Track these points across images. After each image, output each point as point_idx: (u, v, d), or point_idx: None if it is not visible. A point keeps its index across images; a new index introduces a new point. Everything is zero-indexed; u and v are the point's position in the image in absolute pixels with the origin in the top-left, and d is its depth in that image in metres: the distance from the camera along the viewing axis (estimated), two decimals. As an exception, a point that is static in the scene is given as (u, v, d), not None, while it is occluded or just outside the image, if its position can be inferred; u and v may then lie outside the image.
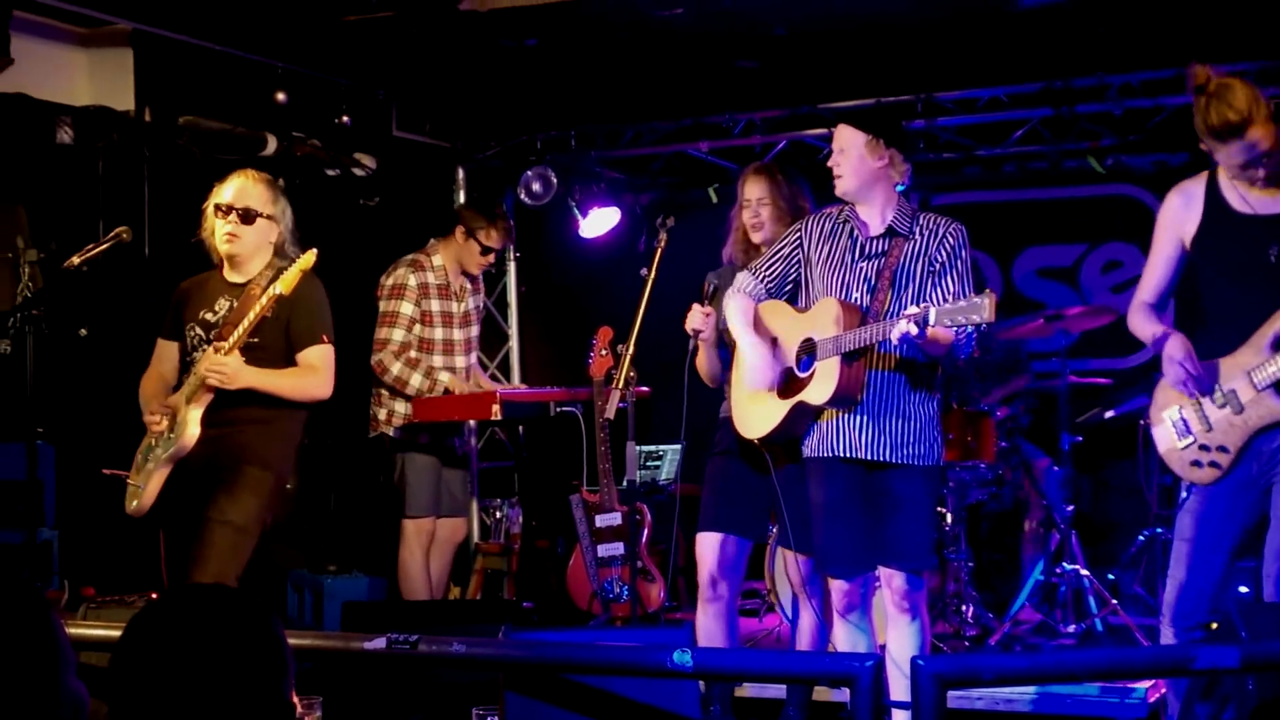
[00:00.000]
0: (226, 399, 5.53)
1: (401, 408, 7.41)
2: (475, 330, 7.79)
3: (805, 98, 8.59)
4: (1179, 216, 4.97)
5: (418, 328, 7.47)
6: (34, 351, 5.65)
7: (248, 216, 5.63)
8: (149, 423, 5.67)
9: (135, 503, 5.64)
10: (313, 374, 5.65)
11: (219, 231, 5.69)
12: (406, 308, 7.44)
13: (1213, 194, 4.91)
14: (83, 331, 7.15)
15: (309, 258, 5.48)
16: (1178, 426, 4.98)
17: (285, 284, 5.42)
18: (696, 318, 5.65)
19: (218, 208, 5.69)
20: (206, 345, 5.62)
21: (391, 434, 7.45)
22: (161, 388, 5.78)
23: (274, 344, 5.64)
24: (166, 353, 5.84)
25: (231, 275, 5.74)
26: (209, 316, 5.69)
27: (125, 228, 5.78)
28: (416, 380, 7.36)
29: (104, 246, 5.73)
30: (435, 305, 7.50)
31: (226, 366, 5.48)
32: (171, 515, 5.65)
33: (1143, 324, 5.06)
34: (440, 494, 7.54)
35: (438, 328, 7.54)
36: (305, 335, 5.64)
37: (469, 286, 7.71)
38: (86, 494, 7.21)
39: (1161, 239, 5.04)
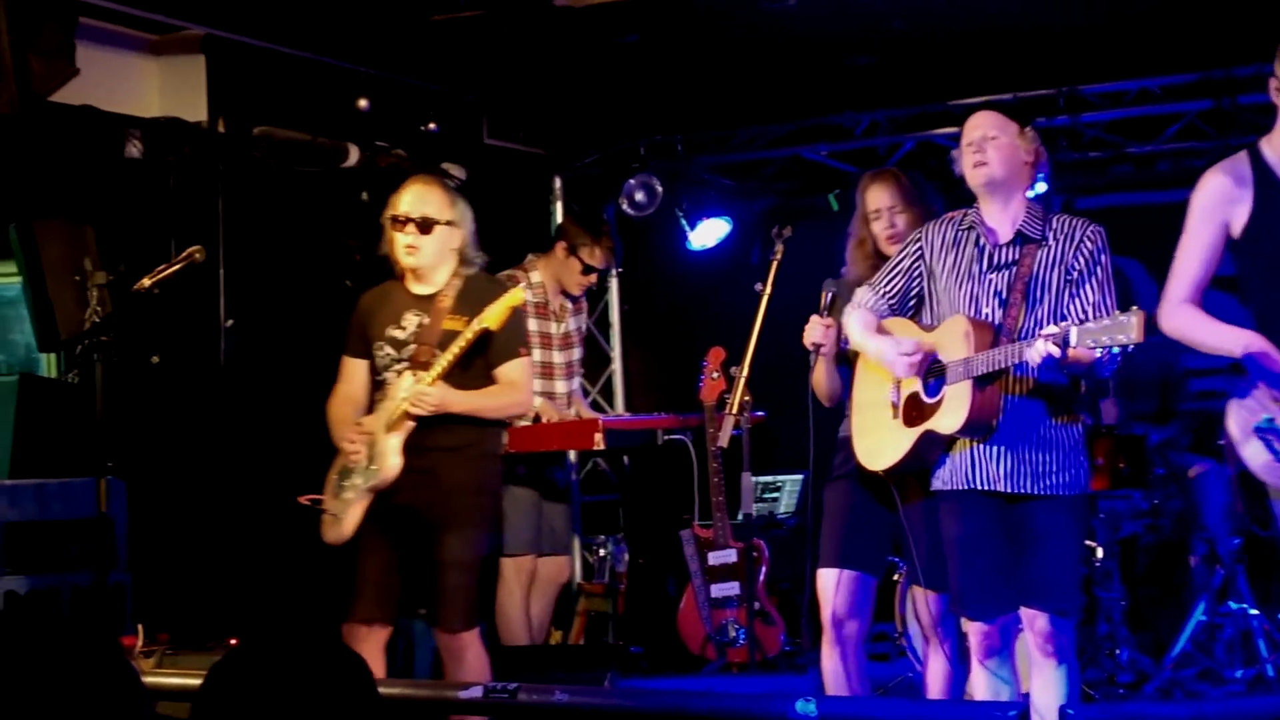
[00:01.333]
0: (427, 423, 5.65)
1: None
2: (577, 354, 7.81)
3: (931, 94, 8.57)
4: (1228, 196, 4.77)
5: None
6: (103, 380, 5.76)
7: (425, 226, 5.72)
8: (346, 451, 5.78)
9: (334, 532, 5.77)
10: (513, 391, 5.78)
11: (398, 244, 5.77)
12: None
13: (1262, 172, 4.74)
14: (154, 359, 7.26)
15: (517, 295, 5.63)
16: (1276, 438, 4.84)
17: (493, 320, 5.56)
18: (816, 330, 5.61)
19: (394, 220, 5.79)
20: (398, 364, 5.73)
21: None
22: (352, 409, 5.86)
23: (471, 361, 5.73)
24: (354, 371, 5.90)
25: (416, 287, 5.83)
26: (398, 334, 5.77)
27: (198, 247, 5.90)
28: None
29: (176, 267, 5.84)
30: (533, 325, 7.47)
31: (431, 397, 5.59)
32: (373, 543, 5.76)
33: (1200, 325, 4.83)
34: (541, 530, 7.55)
35: (535, 349, 7.49)
36: (503, 351, 5.76)
37: (569, 306, 7.74)
38: (160, 533, 7.32)
39: (1202, 225, 4.80)
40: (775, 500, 8.89)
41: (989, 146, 5.05)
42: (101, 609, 6.21)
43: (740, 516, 6.21)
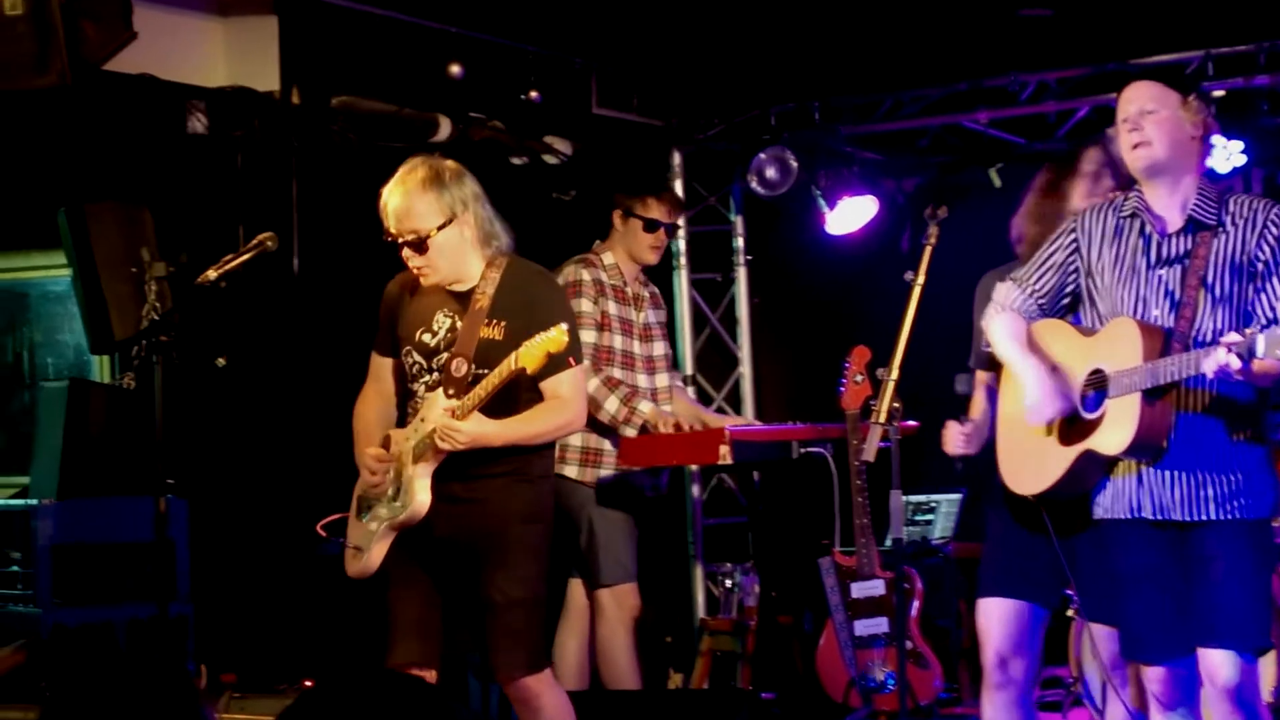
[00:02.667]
0: (464, 452, 5.61)
1: (577, 441, 7.41)
2: (659, 349, 7.77)
3: (1109, 52, 8.45)
4: None
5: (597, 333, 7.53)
6: (162, 386, 5.80)
7: (420, 245, 5.62)
8: (368, 482, 5.77)
9: (356, 566, 5.74)
10: (562, 408, 5.66)
11: (407, 263, 5.77)
12: (586, 305, 7.42)
13: None
14: (220, 361, 7.32)
15: (559, 337, 5.42)
16: None
17: (529, 360, 5.40)
18: (955, 439, 5.62)
19: (386, 235, 5.76)
20: (429, 376, 5.66)
21: (571, 478, 7.51)
22: (384, 412, 5.85)
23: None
24: (384, 370, 5.87)
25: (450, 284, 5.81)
26: (427, 339, 5.69)
27: (270, 234, 5.90)
28: (612, 405, 7.36)
29: (245, 257, 5.85)
30: (613, 308, 7.53)
31: (461, 435, 5.49)
32: (407, 577, 5.73)
33: None
34: (635, 556, 7.57)
35: (616, 334, 7.52)
36: (554, 359, 5.59)
37: (646, 296, 7.76)
38: (226, 559, 7.39)
39: None
40: (929, 523, 8.83)
41: (1148, 123, 4.95)
42: (161, 645, 6.27)
43: (889, 542, 6.15)
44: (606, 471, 7.44)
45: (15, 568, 7.16)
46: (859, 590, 7.32)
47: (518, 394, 5.61)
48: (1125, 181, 5.42)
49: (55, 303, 8.78)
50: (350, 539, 5.77)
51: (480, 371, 5.56)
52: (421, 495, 5.57)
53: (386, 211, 5.64)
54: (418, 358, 5.71)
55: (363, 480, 5.76)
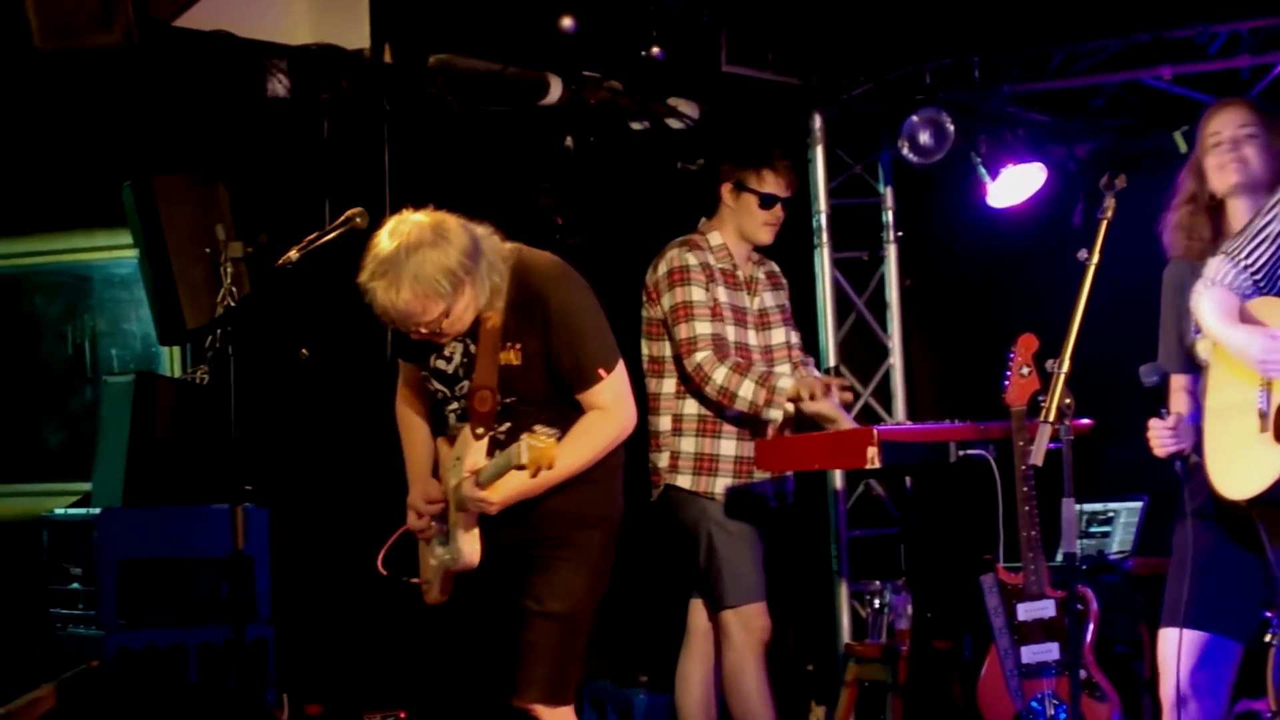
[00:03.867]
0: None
1: (690, 446, 7.44)
2: (777, 336, 7.78)
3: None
4: None
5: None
6: (239, 381, 5.82)
7: (434, 334, 5.60)
8: (413, 524, 5.86)
9: (430, 597, 5.92)
10: (605, 422, 5.71)
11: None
12: (697, 293, 7.44)
13: None
14: (304, 353, 7.37)
15: (548, 450, 5.31)
16: None
17: (535, 459, 5.31)
18: (1163, 436, 5.58)
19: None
20: (455, 404, 5.73)
21: (685, 488, 7.50)
22: (427, 410, 5.94)
23: (534, 390, 5.69)
24: (411, 373, 5.97)
25: None
26: (443, 365, 5.78)
27: (360, 209, 5.93)
28: (748, 391, 7.36)
29: (331, 235, 5.89)
30: (723, 294, 7.54)
31: (491, 505, 5.60)
32: (497, 601, 5.82)
33: None
34: (763, 572, 7.56)
35: (728, 324, 7.53)
36: (580, 374, 5.70)
37: (763, 279, 7.76)
38: (311, 576, 7.41)
39: None
40: (1106, 536, 8.74)
41: None
42: (238, 672, 6.30)
43: (1060, 557, 6.09)
44: (725, 480, 7.47)
45: (76, 584, 7.26)
46: (1026, 612, 7.25)
47: (563, 404, 5.66)
48: None
49: (120, 287, 8.88)
50: (420, 569, 5.94)
51: (507, 400, 5.63)
52: (468, 548, 5.70)
53: (383, 316, 5.53)
54: (438, 385, 5.80)
55: (410, 524, 5.90)
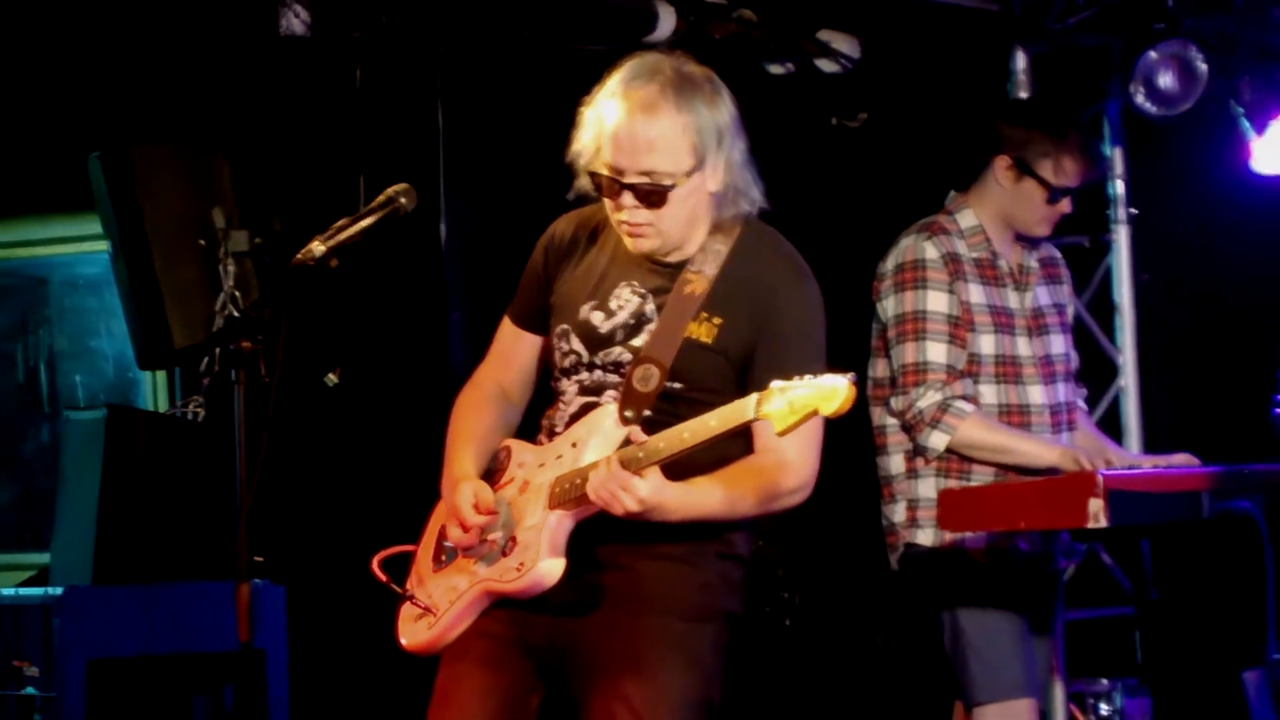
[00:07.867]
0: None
1: (930, 491, 7.33)
2: (1057, 345, 7.51)
3: None
4: None
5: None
6: (246, 415, 5.84)
7: (654, 197, 5.44)
8: (455, 538, 5.56)
9: (420, 633, 5.69)
10: (783, 473, 5.46)
11: (613, 218, 5.50)
12: (938, 300, 7.24)
13: None
14: (331, 378, 7.40)
15: (830, 398, 5.07)
16: None
17: (781, 420, 5.12)
18: None
19: (593, 175, 5.46)
20: (587, 375, 5.52)
21: (927, 546, 7.36)
22: (503, 413, 5.78)
23: (712, 384, 5.48)
24: (516, 350, 5.76)
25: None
26: (598, 319, 5.51)
27: (405, 185, 5.81)
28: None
29: (367, 222, 5.68)
30: (976, 293, 7.32)
31: (633, 501, 5.23)
32: (484, 656, 5.60)
33: None
34: (1033, 658, 7.36)
35: (984, 333, 7.29)
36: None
37: (1033, 267, 7.52)
38: (339, 670, 7.46)
39: None
40: None
41: None
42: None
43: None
44: (977, 535, 7.28)
45: (31, 689, 7.18)
46: (1308, 721, 7.26)
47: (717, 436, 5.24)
48: None
49: (88, 292, 8.93)
50: (420, 591, 5.63)
51: (674, 386, 5.40)
52: (549, 560, 5.42)
53: (607, 131, 5.42)
54: (577, 345, 5.54)
55: (450, 535, 5.53)
